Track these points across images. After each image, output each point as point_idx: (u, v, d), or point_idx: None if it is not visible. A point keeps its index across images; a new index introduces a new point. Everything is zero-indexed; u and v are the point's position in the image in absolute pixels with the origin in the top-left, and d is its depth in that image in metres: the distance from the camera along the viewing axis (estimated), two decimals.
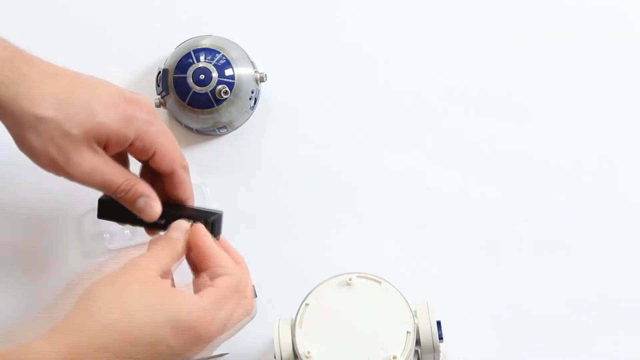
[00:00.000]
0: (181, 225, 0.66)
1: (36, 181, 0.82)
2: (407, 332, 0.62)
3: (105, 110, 0.62)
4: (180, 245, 0.64)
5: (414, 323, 0.63)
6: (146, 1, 0.86)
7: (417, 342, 0.63)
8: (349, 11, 0.86)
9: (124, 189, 0.65)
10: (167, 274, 0.63)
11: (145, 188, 0.66)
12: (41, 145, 0.62)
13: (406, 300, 0.63)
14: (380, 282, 0.64)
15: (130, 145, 0.64)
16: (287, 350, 0.63)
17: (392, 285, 0.64)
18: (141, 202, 0.66)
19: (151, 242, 0.65)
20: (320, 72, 0.84)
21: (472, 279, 0.77)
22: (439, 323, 0.63)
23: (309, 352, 0.61)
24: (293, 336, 0.63)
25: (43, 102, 0.61)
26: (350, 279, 0.64)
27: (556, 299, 0.76)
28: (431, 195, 0.80)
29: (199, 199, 0.80)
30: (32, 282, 0.79)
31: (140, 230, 0.79)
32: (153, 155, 0.65)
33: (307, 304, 0.63)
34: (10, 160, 0.84)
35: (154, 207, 0.66)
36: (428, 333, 0.63)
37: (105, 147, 0.64)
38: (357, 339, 0.62)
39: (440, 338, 0.63)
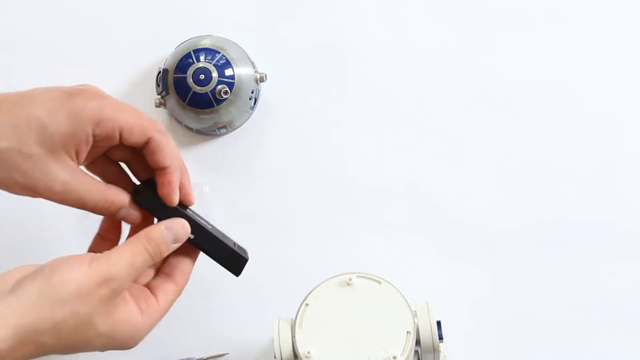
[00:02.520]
0: (181, 236, 0.61)
1: None
2: (407, 332, 0.62)
3: (52, 117, 0.57)
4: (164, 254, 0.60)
5: (414, 323, 0.63)
6: (146, 1, 0.86)
7: (417, 342, 0.63)
8: (348, 11, 0.86)
9: (103, 207, 0.61)
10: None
11: (125, 199, 0.61)
12: (8, 176, 0.58)
13: (406, 300, 0.63)
14: (380, 282, 0.64)
15: (96, 139, 0.59)
16: (287, 350, 0.63)
17: (392, 285, 0.64)
18: (122, 213, 0.61)
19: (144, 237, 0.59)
20: (320, 72, 0.84)
21: (472, 279, 0.77)
22: (439, 323, 0.63)
23: (309, 352, 0.61)
24: (293, 336, 0.63)
25: None
26: (350, 279, 0.64)
27: (556, 299, 0.76)
28: (431, 196, 0.80)
29: (199, 199, 0.80)
30: None
31: None
32: (121, 134, 0.59)
33: (307, 304, 0.63)
34: None
35: (135, 215, 0.62)
36: (428, 333, 0.63)
37: (77, 155, 0.59)
38: (357, 339, 0.62)
39: (440, 338, 0.64)
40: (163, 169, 0.61)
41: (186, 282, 0.63)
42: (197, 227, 0.62)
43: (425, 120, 0.82)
